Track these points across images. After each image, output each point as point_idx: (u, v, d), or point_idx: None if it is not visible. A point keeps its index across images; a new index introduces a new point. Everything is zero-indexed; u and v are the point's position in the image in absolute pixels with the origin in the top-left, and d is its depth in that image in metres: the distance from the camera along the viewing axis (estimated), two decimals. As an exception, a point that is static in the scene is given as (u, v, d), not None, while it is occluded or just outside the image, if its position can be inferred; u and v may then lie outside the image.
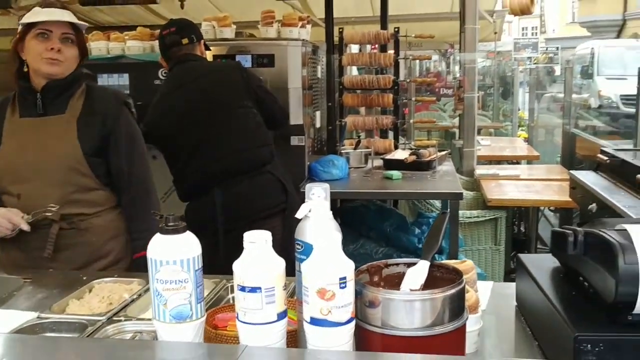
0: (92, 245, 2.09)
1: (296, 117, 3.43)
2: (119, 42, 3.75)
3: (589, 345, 1.07)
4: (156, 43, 3.72)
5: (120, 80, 3.57)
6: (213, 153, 2.75)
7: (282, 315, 1.11)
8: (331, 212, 1.18)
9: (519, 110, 9.79)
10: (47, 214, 1.99)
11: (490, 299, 1.58)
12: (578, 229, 1.24)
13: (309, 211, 1.16)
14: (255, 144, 2.79)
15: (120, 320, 1.45)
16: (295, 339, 1.20)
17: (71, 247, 2.06)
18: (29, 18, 2.03)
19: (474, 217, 4.08)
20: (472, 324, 1.26)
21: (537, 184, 4.43)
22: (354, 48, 5.09)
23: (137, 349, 1.24)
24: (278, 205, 2.77)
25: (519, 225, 5.20)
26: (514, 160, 6.11)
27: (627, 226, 1.15)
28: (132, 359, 1.12)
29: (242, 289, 1.09)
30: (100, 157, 2.10)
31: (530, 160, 6.08)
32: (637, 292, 1.07)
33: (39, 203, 1.99)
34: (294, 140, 3.44)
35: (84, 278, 1.78)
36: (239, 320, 1.12)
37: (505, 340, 1.43)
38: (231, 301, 1.51)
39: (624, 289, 1.07)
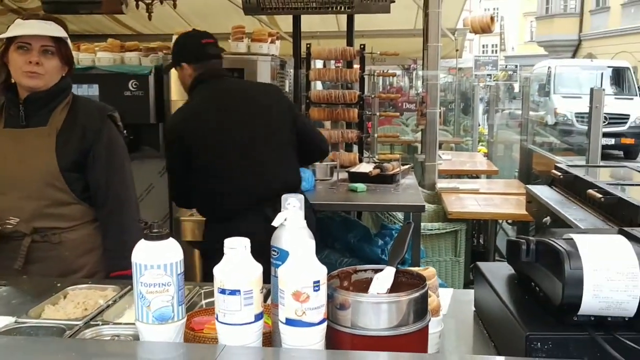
0: (64, 260, 2.07)
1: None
2: (89, 53, 3.77)
3: (539, 344, 1.17)
4: (126, 54, 3.77)
5: (89, 91, 3.59)
6: (261, 172, 2.65)
7: (259, 317, 1.19)
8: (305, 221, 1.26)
9: (479, 125, 10.00)
10: (8, 226, 1.98)
11: (450, 305, 1.67)
12: (530, 238, 1.34)
13: (285, 220, 1.25)
14: (292, 167, 2.76)
15: (97, 325, 1.47)
16: (269, 340, 1.27)
17: (44, 260, 2.05)
18: (9, 32, 2.02)
19: (435, 229, 4.17)
20: (434, 326, 1.35)
21: (495, 198, 4.58)
22: (319, 63, 5.19)
23: (120, 349, 1.28)
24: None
25: (478, 238, 5.31)
26: (474, 175, 6.23)
27: (573, 235, 1.25)
28: (116, 358, 1.18)
29: (223, 291, 1.16)
30: (78, 172, 2.07)
31: (489, 174, 6.23)
32: (582, 294, 1.16)
33: (14, 215, 1.99)
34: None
35: (58, 285, 1.79)
36: (218, 321, 1.18)
37: (464, 342, 1.53)
38: (204, 307, 1.56)
39: (570, 292, 1.17)
